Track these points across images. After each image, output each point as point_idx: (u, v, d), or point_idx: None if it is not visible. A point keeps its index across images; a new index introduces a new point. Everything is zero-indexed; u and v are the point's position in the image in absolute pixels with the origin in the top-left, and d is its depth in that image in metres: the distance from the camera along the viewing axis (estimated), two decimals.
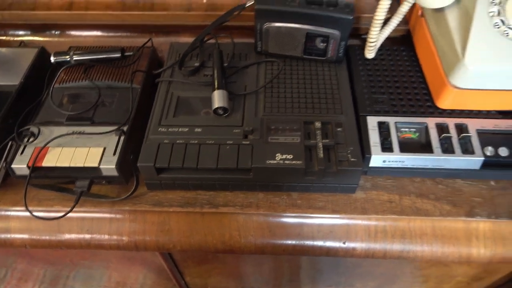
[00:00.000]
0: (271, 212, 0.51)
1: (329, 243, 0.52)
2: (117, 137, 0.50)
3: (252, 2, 0.55)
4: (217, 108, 0.50)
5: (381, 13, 0.53)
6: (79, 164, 0.48)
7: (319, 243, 0.52)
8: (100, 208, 0.52)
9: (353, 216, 0.52)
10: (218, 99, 0.51)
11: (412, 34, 0.62)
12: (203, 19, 0.64)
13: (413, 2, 0.54)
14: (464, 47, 0.46)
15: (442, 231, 0.52)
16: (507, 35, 0.46)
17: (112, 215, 0.52)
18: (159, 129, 0.50)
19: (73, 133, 0.50)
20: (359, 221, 0.52)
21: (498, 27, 0.46)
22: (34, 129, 0.51)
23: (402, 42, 0.63)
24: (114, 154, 0.48)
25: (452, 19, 0.50)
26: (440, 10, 0.52)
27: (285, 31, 0.55)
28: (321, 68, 0.58)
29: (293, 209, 0.51)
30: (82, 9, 0.64)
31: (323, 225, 0.52)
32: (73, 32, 0.68)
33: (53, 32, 0.68)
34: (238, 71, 0.58)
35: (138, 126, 0.53)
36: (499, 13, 0.46)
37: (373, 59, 0.59)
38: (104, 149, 0.49)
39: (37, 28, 0.68)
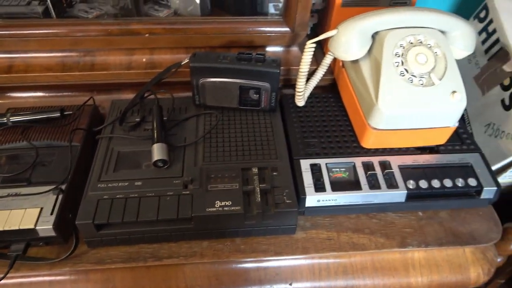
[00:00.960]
0: (215, 259, 0.52)
1: (276, 286, 0.53)
2: (55, 196, 0.49)
3: (187, 61, 0.59)
4: (156, 160, 0.52)
5: (304, 66, 0.59)
6: (14, 226, 0.46)
7: (267, 287, 0.53)
8: (38, 272, 0.50)
9: (296, 257, 0.53)
10: (157, 152, 0.53)
11: (337, 83, 0.68)
12: (143, 76, 0.67)
13: (333, 55, 0.61)
14: (377, 93, 0.52)
15: (381, 263, 0.55)
16: (411, 82, 0.53)
17: (52, 278, 0.50)
18: (99, 185, 0.51)
19: (8, 195, 0.49)
20: (303, 261, 0.54)
21: (403, 75, 0.53)
22: None
23: (329, 90, 0.70)
24: (52, 213, 0.48)
25: (366, 69, 0.56)
26: (356, 61, 0.58)
27: (219, 85, 0.60)
28: (257, 117, 0.62)
29: (237, 254, 0.52)
30: (21, 71, 0.65)
31: (268, 268, 0.53)
32: (13, 94, 0.68)
33: None
34: (178, 124, 0.60)
35: (78, 184, 0.53)
36: (402, 63, 0.53)
37: (304, 106, 0.64)
38: (41, 209, 0.48)
39: None
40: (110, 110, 0.63)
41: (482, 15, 0.76)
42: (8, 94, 0.68)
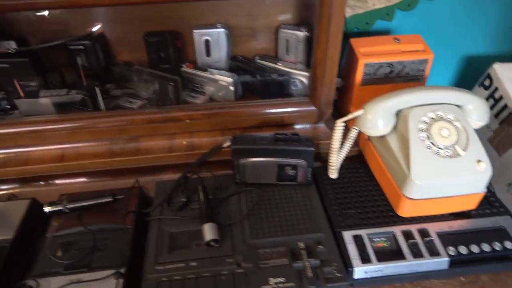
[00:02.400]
0: None
1: None
2: (116, 281, 0.52)
3: (228, 144, 0.65)
4: (209, 241, 0.55)
5: (336, 142, 0.65)
6: None
7: None
8: None
9: None
10: (208, 232, 0.56)
11: (363, 154, 0.73)
12: (184, 158, 0.72)
13: (358, 129, 0.66)
14: (408, 166, 0.57)
15: None
16: (438, 154, 0.57)
17: None
18: (156, 267, 0.53)
19: (71, 283, 0.52)
20: None
21: (430, 148, 0.58)
22: (31, 282, 0.52)
23: (357, 161, 0.74)
24: None
25: (393, 143, 0.61)
26: (382, 136, 0.64)
27: (259, 164, 0.64)
28: (294, 191, 0.66)
29: None
30: (72, 159, 0.71)
31: None
32: (61, 181, 0.73)
33: (41, 182, 0.73)
34: (221, 202, 0.64)
35: (135, 266, 0.56)
36: (428, 137, 0.58)
37: (336, 178, 0.69)
38: None
39: (26, 180, 0.72)
40: (156, 192, 0.67)
41: (486, 83, 0.83)
42: (58, 181, 0.73)
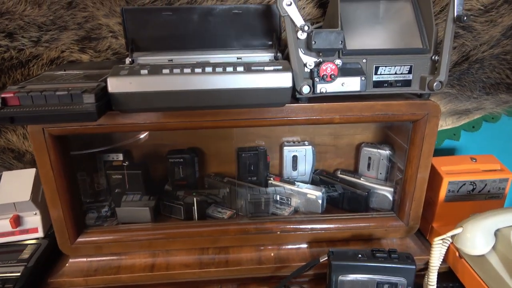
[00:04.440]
0: None
1: None
2: None
3: (326, 259, 0.65)
4: None
5: (435, 260, 0.64)
6: None
7: None
8: None
9: None
10: None
11: (454, 271, 0.72)
12: (272, 270, 0.72)
13: (447, 246, 0.66)
14: None
15: None
16: None
17: None
18: None
19: None
20: None
21: None
22: None
23: (447, 279, 0.72)
24: None
25: (496, 264, 0.61)
26: (480, 255, 0.64)
27: (358, 281, 0.64)
28: None
29: None
30: (163, 269, 0.71)
31: None
32: None
33: None
34: None
35: None
36: None
37: None
38: None
39: None
40: None
41: None
42: None
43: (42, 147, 0.61)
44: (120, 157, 0.75)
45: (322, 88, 0.60)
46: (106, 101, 0.54)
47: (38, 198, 0.73)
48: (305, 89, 0.60)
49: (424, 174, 0.69)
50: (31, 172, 0.73)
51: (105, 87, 0.54)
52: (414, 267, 0.63)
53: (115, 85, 0.54)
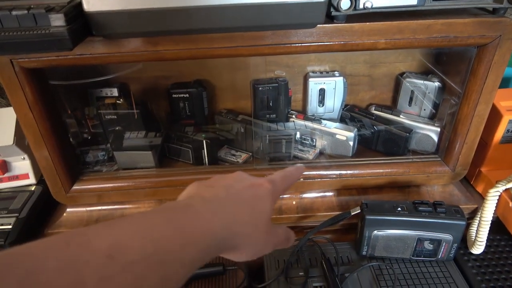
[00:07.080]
0: None
1: None
2: None
3: (358, 212, 0.56)
4: None
5: (488, 214, 0.55)
6: None
7: None
8: None
9: None
10: None
11: (503, 222, 0.63)
12: (294, 220, 0.64)
13: (498, 195, 0.56)
14: None
15: None
16: None
17: None
18: None
19: None
20: None
21: None
22: None
23: (494, 230, 0.63)
24: None
25: None
26: None
27: (396, 237, 0.55)
28: (431, 268, 0.57)
29: None
30: None
31: None
32: None
33: None
34: (347, 278, 0.55)
35: None
36: None
37: (479, 254, 0.58)
38: None
39: None
40: (267, 262, 0.58)
41: None
42: None
43: (14, 83, 0.49)
44: (115, 92, 0.63)
45: (367, 2, 0.46)
46: (82, 24, 0.41)
47: (24, 141, 0.63)
48: (345, 4, 0.45)
49: (483, 112, 0.56)
50: (12, 110, 0.62)
51: (80, 4, 0.41)
52: (464, 222, 0.54)
53: (92, 1, 0.41)
